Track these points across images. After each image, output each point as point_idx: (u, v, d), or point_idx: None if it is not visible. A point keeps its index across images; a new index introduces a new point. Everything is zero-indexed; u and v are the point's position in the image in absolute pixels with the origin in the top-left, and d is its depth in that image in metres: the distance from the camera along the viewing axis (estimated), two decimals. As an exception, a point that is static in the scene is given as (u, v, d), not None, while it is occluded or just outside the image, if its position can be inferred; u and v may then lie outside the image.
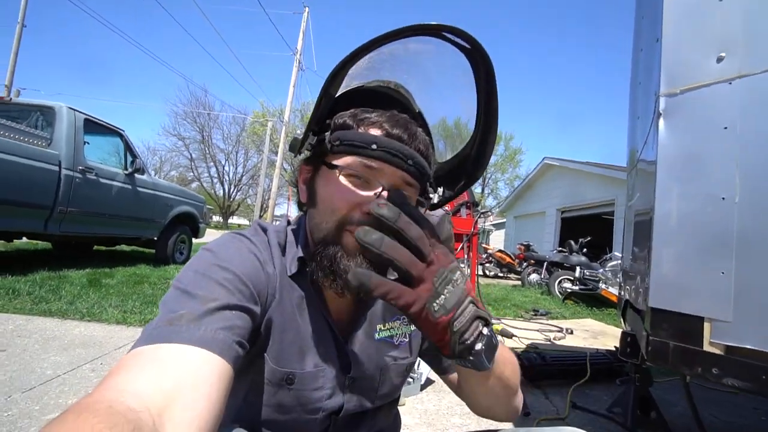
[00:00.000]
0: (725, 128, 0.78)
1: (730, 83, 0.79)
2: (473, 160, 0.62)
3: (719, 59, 0.81)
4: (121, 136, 4.45)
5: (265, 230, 0.58)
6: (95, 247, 5.71)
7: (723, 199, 0.77)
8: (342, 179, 0.50)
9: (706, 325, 0.75)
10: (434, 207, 0.66)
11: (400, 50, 0.53)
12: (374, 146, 0.49)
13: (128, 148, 4.50)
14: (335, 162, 0.51)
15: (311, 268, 0.54)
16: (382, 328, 0.62)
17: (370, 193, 0.49)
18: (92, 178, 3.85)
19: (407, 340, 0.65)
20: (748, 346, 0.70)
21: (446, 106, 0.64)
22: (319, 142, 0.54)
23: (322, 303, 0.57)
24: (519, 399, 0.60)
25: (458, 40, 0.49)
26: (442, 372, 0.69)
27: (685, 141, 0.85)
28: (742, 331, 0.71)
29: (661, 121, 0.89)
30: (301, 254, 0.56)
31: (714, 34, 0.83)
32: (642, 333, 0.93)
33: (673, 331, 0.80)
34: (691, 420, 1.23)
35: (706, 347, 0.74)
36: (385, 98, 0.59)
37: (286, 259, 0.56)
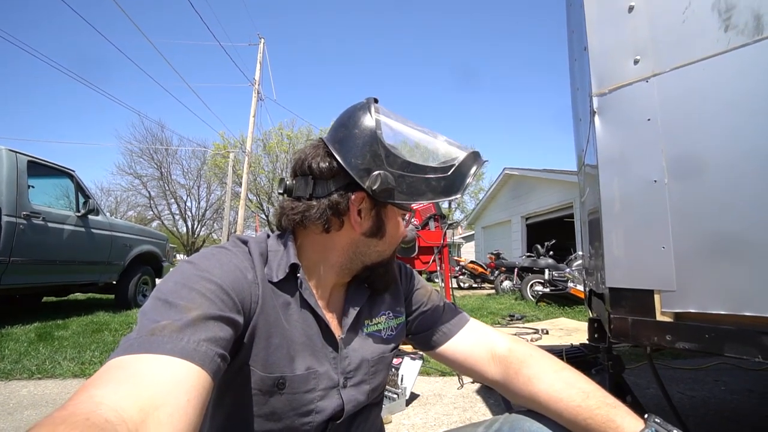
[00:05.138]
0: (648, 120, 0.89)
1: (647, 81, 0.90)
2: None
3: (635, 61, 0.93)
4: (71, 176, 4.22)
5: (245, 242, 0.59)
6: (44, 299, 5.25)
7: (655, 181, 0.86)
8: (401, 219, 0.65)
9: (656, 297, 0.82)
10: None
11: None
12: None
13: (80, 188, 4.26)
14: (405, 205, 0.61)
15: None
16: (370, 323, 0.65)
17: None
18: (39, 223, 3.59)
19: (394, 333, 0.68)
20: (692, 310, 0.77)
21: None
22: (384, 182, 0.55)
23: (315, 304, 0.58)
24: None
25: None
26: (429, 348, 0.70)
27: (617, 133, 0.95)
28: (685, 297, 0.79)
29: (596, 118, 0.99)
30: (294, 260, 0.57)
31: (628, 40, 0.95)
32: (605, 314, 0.99)
33: (630, 307, 0.87)
34: (663, 400, 1.30)
35: (659, 317, 0.81)
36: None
37: (270, 267, 0.57)
